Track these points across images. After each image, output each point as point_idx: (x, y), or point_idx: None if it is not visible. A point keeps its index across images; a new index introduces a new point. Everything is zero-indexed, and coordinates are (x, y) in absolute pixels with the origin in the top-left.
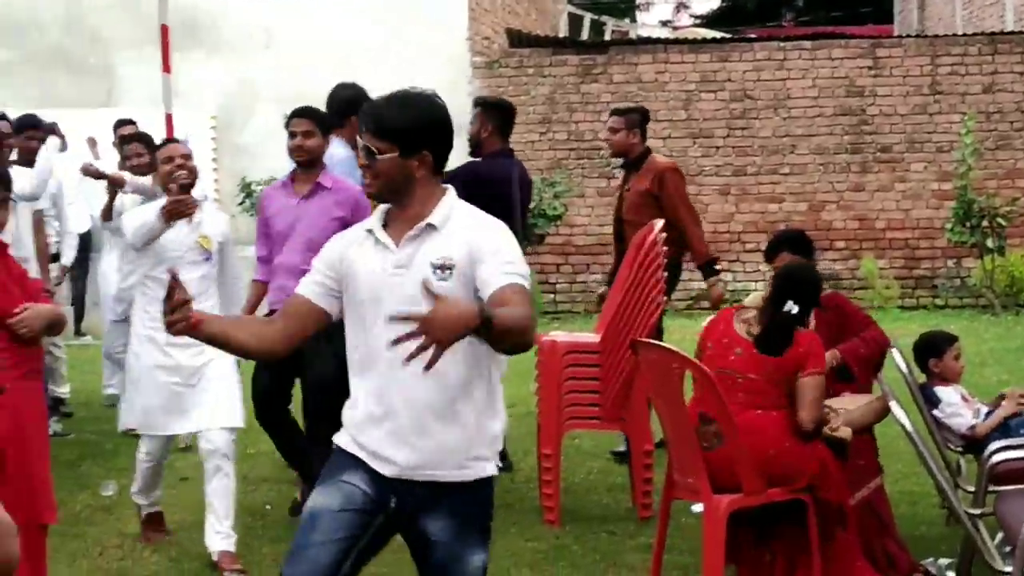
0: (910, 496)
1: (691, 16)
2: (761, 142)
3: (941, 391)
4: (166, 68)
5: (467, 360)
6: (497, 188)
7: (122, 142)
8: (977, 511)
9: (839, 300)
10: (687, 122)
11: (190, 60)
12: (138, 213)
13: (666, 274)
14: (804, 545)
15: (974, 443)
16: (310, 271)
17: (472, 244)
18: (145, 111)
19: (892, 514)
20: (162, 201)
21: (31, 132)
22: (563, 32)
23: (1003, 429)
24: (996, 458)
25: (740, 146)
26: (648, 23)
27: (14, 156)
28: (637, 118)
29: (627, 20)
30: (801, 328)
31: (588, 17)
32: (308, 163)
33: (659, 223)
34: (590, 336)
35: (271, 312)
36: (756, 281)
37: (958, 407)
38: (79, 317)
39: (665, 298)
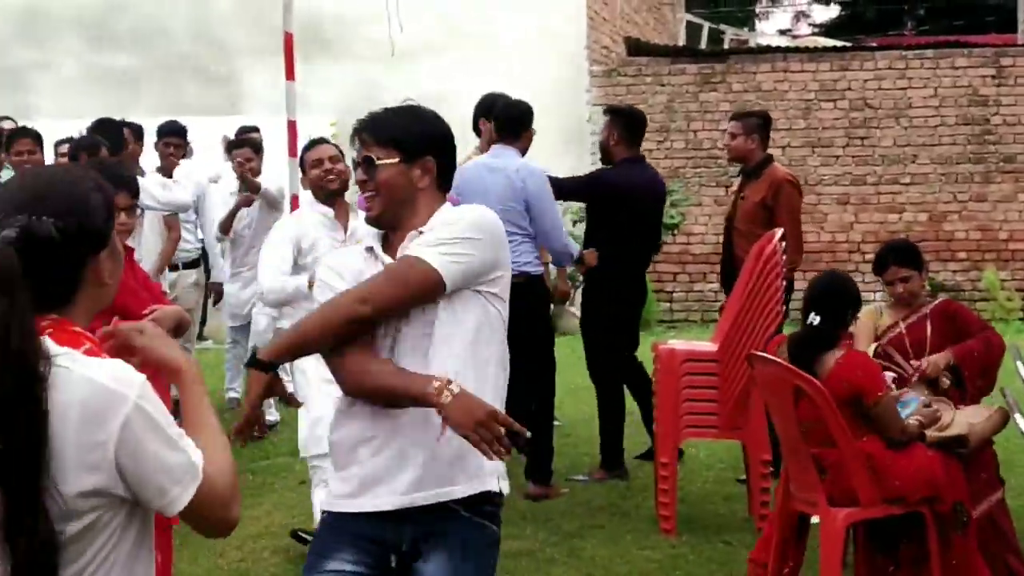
0: None
1: (810, 25)
2: (881, 151)
3: None
4: (290, 75)
5: (465, 360)
6: (625, 194)
7: (230, 147)
8: None
9: (955, 308)
10: (806, 131)
11: (313, 67)
12: (281, 278)
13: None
14: (927, 554)
15: None
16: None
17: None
18: (268, 118)
19: (1014, 528)
20: (305, 279)
21: (169, 139)
22: (681, 41)
23: None
24: None
25: (860, 155)
26: (767, 32)
27: (157, 163)
28: (755, 123)
29: (745, 29)
30: (836, 344)
31: (707, 26)
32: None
33: (779, 232)
34: (708, 345)
35: None
36: (875, 292)
37: None
38: (202, 321)
39: (784, 307)
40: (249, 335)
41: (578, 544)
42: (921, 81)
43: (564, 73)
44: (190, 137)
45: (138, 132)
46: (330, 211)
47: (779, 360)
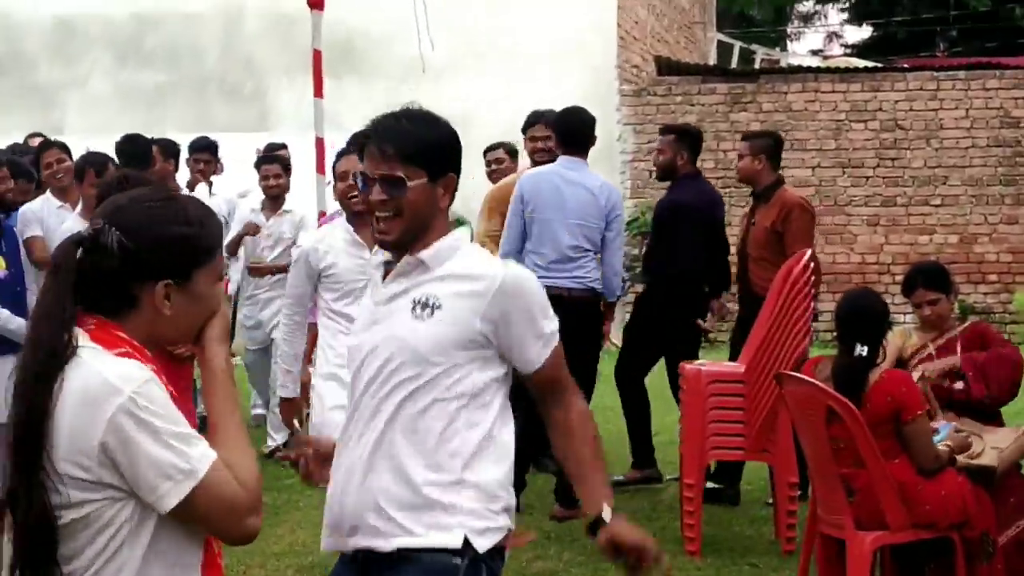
0: None
1: (842, 45)
2: (912, 172)
3: None
4: (318, 93)
5: (448, 415)
6: (705, 211)
7: (259, 163)
8: None
9: (983, 328)
10: (836, 151)
11: (341, 84)
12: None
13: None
14: None
15: None
16: None
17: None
18: (296, 136)
19: None
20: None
21: (200, 155)
22: (712, 60)
23: None
24: None
25: (890, 176)
26: (799, 52)
27: (187, 179)
28: (763, 144)
29: (777, 49)
30: (877, 366)
31: (738, 45)
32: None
33: (808, 252)
34: (735, 366)
35: None
36: (905, 313)
37: None
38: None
39: (812, 325)
40: (269, 356)
41: (602, 565)
42: (952, 102)
43: (594, 91)
44: (220, 154)
45: (170, 149)
46: (351, 230)
47: (811, 380)
